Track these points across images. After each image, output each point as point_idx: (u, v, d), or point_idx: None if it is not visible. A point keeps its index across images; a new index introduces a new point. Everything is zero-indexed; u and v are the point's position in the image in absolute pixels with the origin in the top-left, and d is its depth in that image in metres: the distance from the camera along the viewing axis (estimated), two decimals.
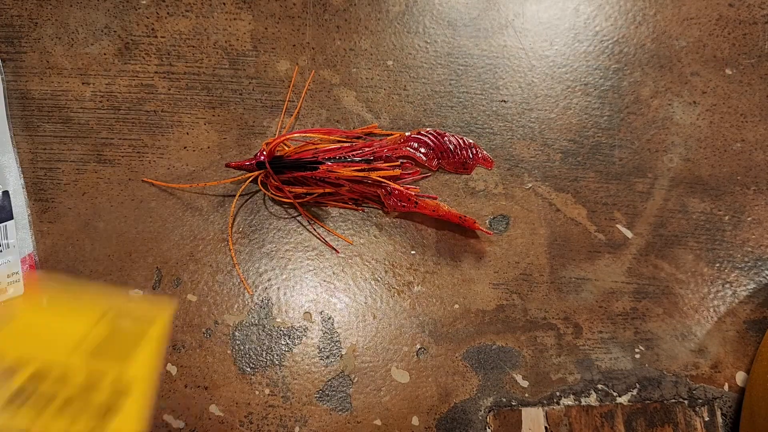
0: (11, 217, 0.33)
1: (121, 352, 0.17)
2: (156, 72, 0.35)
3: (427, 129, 0.35)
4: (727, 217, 0.35)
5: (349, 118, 0.36)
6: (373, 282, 0.34)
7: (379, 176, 0.33)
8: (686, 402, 0.33)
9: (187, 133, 0.35)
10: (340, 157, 0.33)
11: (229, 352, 0.32)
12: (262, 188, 0.34)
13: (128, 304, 0.17)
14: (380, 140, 0.35)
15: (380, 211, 0.35)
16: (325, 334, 0.33)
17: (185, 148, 0.35)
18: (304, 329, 0.33)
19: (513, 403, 0.32)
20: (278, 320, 0.33)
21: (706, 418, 0.33)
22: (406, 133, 0.34)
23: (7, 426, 0.15)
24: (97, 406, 0.16)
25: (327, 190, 0.33)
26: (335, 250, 0.34)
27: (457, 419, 0.32)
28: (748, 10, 0.38)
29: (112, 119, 0.35)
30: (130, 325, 0.17)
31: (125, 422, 0.16)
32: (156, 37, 0.36)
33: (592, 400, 0.33)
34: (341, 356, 0.32)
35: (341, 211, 0.34)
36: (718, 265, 0.35)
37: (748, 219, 0.35)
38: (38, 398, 0.16)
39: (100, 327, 0.17)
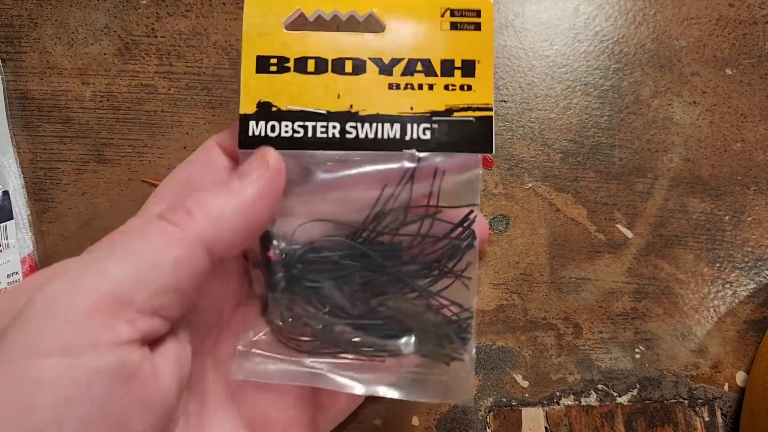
0: (11, 217, 0.33)
1: (466, 37, 0.23)
2: (156, 72, 0.35)
3: None
4: (727, 217, 0.35)
5: None
6: None
7: None
8: (686, 402, 0.33)
9: (187, 133, 0.35)
10: None
11: None
12: None
13: None
14: None
15: None
16: None
17: (185, 148, 0.35)
18: None
19: (513, 403, 0.32)
20: None
21: (707, 418, 0.33)
22: None
23: (394, 104, 0.22)
24: (458, 81, 0.23)
25: None
26: None
27: (457, 419, 0.32)
28: (748, 10, 0.38)
29: (112, 119, 0.35)
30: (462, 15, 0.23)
31: (482, 92, 0.23)
32: (156, 37, 0.36)
33: (592, 400, 0.33)
34: None
35: None
36: (718, 265, 0.35)
37: (749, 219, 0.35)
38: (413, 84, 0.23)
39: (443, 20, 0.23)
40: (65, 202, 0.34)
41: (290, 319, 0.22)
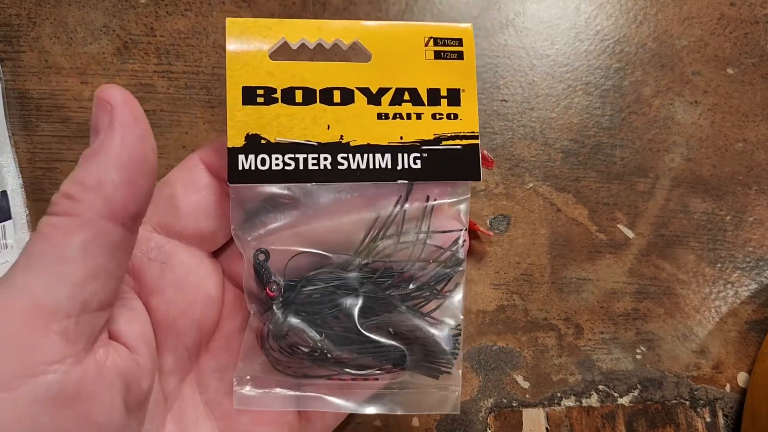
0: (9, 217, 0.33)
1: (449, 67, 0.24)
2: (155, 71, 0.35)
3: None
4: (728, 217, 0.35)
5: None
6: None
7: None
8: (688, 403, 0.33)
9: (186, 133, 0.35)
10: None
11: None
12: None
13: (436, 27, 0.24)
14: None
15: None
16: None
17: (184, 147, 0.34)
18: None
19: (514, 404, 0.32)
20: None
21: (708, 419, 0.33)
22: None
23: (384, 134, 0.23)
24: (445, 110, 0.23)
25: None
26: None
27: (457, 420, 0.32)
28: (749, 9, 0.38)
29: None
30: (445, 42, 0.24)
31: (468, 120, 0.24)
32: (155, 36, 0.35)
33: (593, 401, 0.33)
34: None
35: None
36: (719, 265, 0.35)
37: (750, 219, 0.35)
38: (402, 114, 0.23)
39: (426, 48, 0.23)
40: None
41: (289, 351, 0.22)
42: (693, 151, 0.36)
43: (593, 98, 0.36)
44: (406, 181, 0.23)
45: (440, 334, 0.23)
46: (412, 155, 0.23)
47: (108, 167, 0.17)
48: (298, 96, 0.22)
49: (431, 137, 0.23)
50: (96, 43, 0.35)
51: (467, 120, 0.23)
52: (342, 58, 0.23)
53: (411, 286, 0.23)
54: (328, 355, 0.22)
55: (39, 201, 0.34)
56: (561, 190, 0.35)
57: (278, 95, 0.22)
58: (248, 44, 0.22)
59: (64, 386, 0.15)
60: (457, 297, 0.24)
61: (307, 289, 0.23)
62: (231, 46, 0.22)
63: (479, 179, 0.23)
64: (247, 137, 0.22)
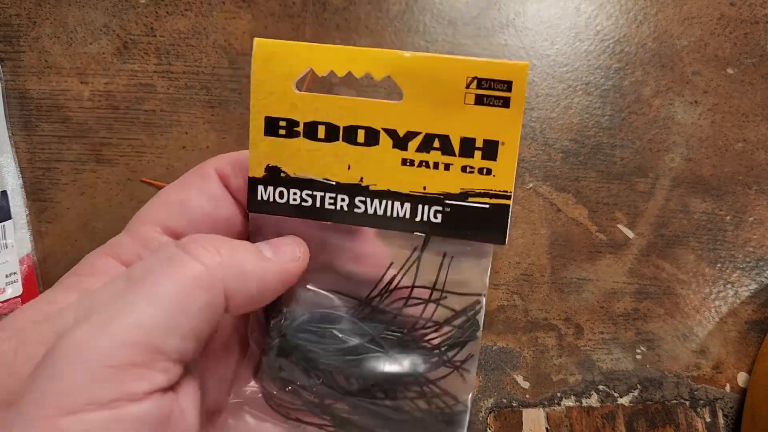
0: (9, 217, 0.33)
1: (491, 114, 0.21)
2: (155, 71, 0.35)
3: None
4: (728, 217, 0.35)
5: None
6: None
7: None
8: (688, 403, 0.33)
9: (186, 133, 0.35)
10: None
11: None
12: None
13: (486, 63, 0.22)
14: None
15: None
16: None
17: (184, 147, 0.34)
18: None
19: (514, 404, 0.32)
20: None
21: (708, 419, 0.33)
22: None
23: (406, 181, 0.21)
24: (477, 163, 0.21)
25: None
26: None
27: None
28: (749, 9, 0.38)
29: (110, 119, 0.35)
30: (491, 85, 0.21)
31: (502, 177, 0.21)
32: (155, 36, 0.35)
33: (594, 401, 0.33)
34: None
35: None
36: (719, 265, 0.35)
37: (750, 219, 0.35)
38: (428, 162, 0.21)
39: (467, 92, 0.21)
40: (64, 202, 0.34)
41: (282, 387, 0.22)
42: (693, 151, 0.36)
43: (593, 98, 0.36)
44: (422, 234, 0.21)
45: (444, 408, 0.22)
46: (434, 208, 0.21)
47: (257, 275, 0.19)
48: (321, 132, 0.21)
49: (457, 191, 0.21)
50: (96, 43, 0.35)
51: (502, 177, 0.21)
52: (372, 93, 0.22)
53: (419, 346, 0.22)
54: (323, 401, 0.22)
55: (39, 201, 0.34)
56: (561, 190, 0.35)
57: (300, 129, 0.21)
58: (274, 71, 0.21)
59: (160, 412, 0.17)
60: (470, 371, 0.22)
61: (311, 326, 0.22)
62: (257, 71, 0.21)
63: (504, 243, 0.21)
64: (267, 168, 0.21)
